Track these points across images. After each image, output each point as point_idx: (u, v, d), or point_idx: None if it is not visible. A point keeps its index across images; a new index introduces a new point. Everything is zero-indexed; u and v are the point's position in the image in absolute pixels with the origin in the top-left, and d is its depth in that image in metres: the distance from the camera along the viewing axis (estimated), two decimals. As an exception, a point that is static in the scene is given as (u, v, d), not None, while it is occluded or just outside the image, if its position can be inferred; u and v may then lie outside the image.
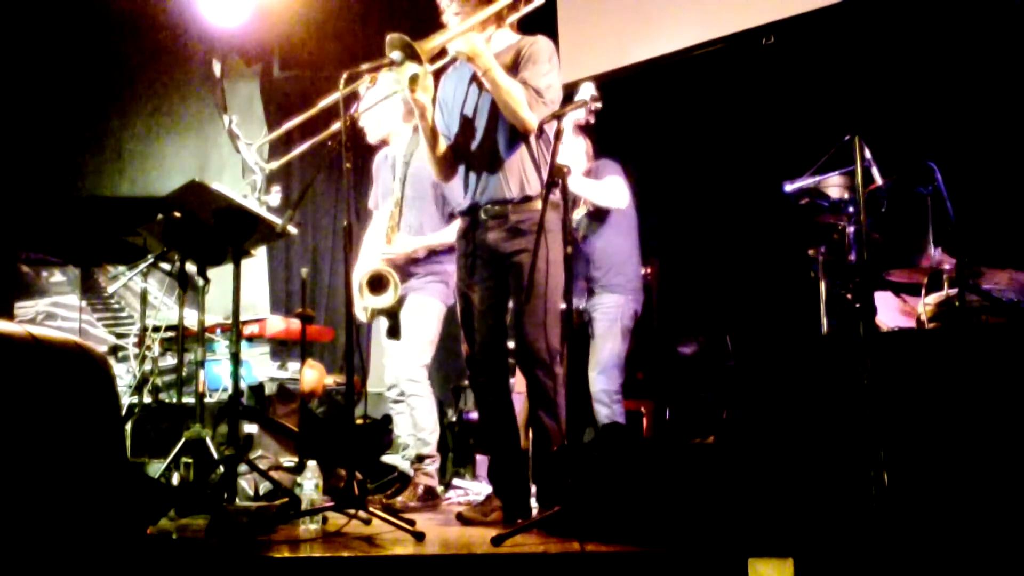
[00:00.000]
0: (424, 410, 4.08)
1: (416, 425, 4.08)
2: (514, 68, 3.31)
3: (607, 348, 4.40)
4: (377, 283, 4.06)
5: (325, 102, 3.42)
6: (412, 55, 3.09)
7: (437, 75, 3.46)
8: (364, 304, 4.08)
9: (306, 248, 6.88)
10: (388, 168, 4.37)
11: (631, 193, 4.51)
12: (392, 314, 4.09)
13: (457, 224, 4.10)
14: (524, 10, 3.46)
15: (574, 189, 4.29)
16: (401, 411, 4.19)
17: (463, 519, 3.27)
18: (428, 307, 4.13)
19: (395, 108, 4.22)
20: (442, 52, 3.29)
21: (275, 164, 3.74)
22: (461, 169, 3.47)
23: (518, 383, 4.25)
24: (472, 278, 3.42)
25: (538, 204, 3.22)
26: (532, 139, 3.34)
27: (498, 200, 3.34)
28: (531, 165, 3.34)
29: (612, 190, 4.40)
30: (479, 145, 3.40)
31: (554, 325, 3.28)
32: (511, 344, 3.61)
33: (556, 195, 3.28)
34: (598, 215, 4.49)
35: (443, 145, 3.47)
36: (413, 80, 3.18)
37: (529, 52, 3.34)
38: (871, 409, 2.72)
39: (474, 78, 3.41)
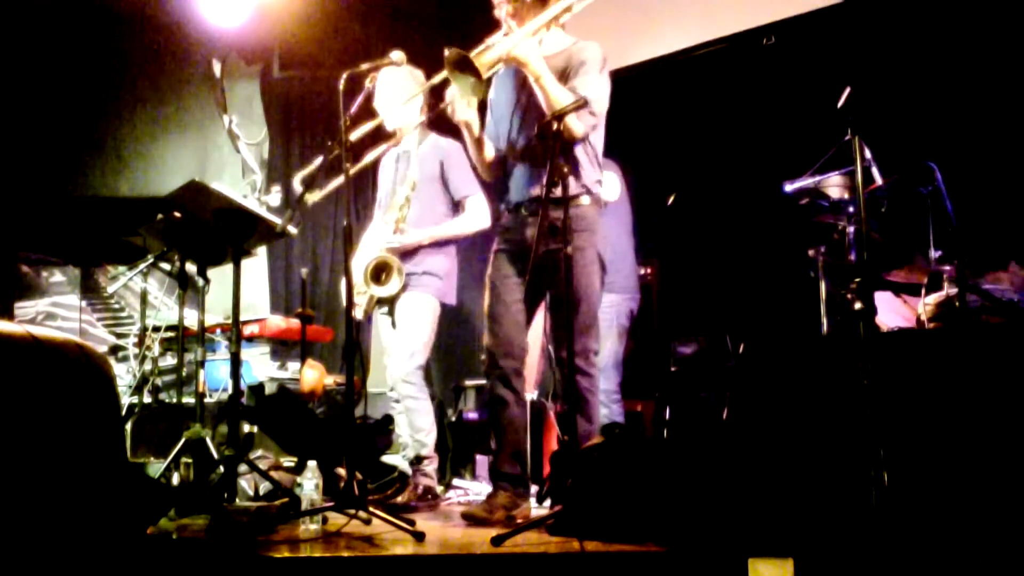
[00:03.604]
0: (420, 412, 4.07)
1: (413, 426, 4.07)
2: (564, 73, 3.34)
3: (605, 348, 4.39)
4: (381, 272, 4.06)
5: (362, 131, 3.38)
6: (470, 69, 3.11)
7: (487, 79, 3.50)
8: (369, 292, 4.08)
9: (306, 248, 6.88)
10: (391, 166, 4.36)
11: (627, 191, 4.50)
12: (394, 300, 4.10)
13: (461, 216, 4.16)
14: (576, 8, 3.48)
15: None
16: (402, 411, 4.18)
17: (468, 518, 3.27)
18: (423, 306, 4.11)
19: (413, 101, 4.20)
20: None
21: (316, 196, 3.74)
22: (510, 169, 3.52)
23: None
24: (502, 272, 3.47)
25: (579, 202, 3.27)
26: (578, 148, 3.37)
27: (537, 197, 3.37)
28: (578, 166, 3.37)
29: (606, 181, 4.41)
30: (525, 146, 3.45)
31: (591, 325, 3.31)
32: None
33: (598, 191, 3.39)
34: None
35: (489, 151, 3.56)
36: (475, 91, 3.21)
37: (580, 60, 3.38)
38: (871, 409, 2.72)
39: (523, 81, 3.43)
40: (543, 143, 3.30)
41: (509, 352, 3.42)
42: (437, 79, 3.49)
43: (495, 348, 3.42)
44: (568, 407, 3.32)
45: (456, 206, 4.21)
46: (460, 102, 3.38)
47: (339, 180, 3.59)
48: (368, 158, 3.80)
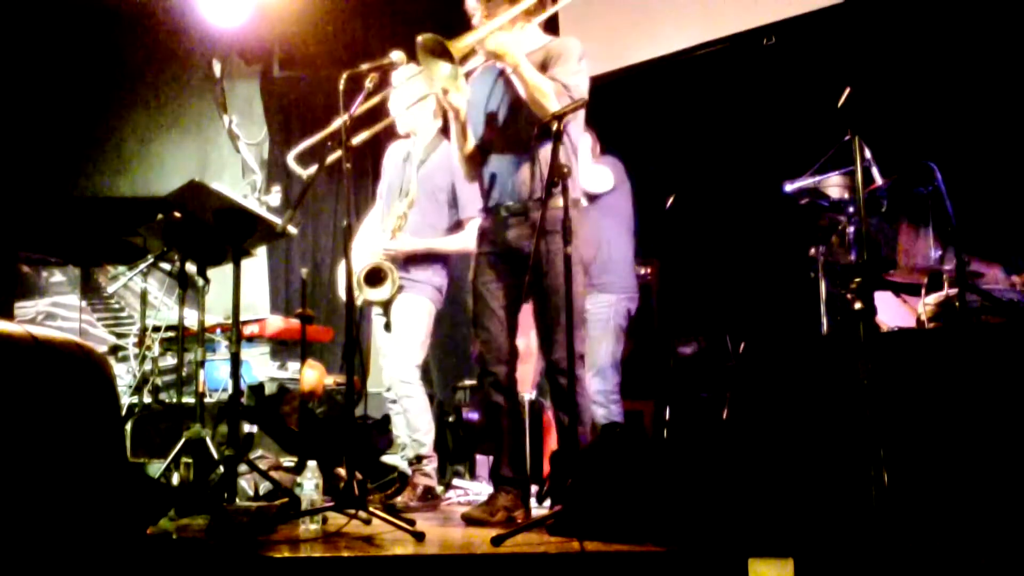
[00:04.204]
0: (417, 410, 4.08)
1: (410, 426, 4.07)
2: (543, 67, 3.32)
3: (602, 348, 4.39)
4: (375, 277, 4.06)
5: (345, 117, 3.32)
6: (444, 54, 3.10)
7: (465, 77, 3.48)
8: (362, 297, 4.08)
9: (306, 248, 6.89)
10: (399, 162, 4.34)
11: (628, 191, 4.50)
12: (387, 306, 4.10)
13: (461, 234, 4.13)
14: (551, 9, 3.48)
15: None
16: (399, 412, 4.19)
17: (469, 519, 3.26)
18: (418, 307, 4.12)
19: (427, 103, 4.19)
20: (471, 53, 3.30)
21: (311, 170, 3.66)
22: (486, 167, 3.48)
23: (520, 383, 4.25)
24: (486, 277, 3.43)
25: (556, 203, 3.17)
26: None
27: (520, 198, 3.35)
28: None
29: (595, 172, 4.39)
30: (504, 144, 3.42)
31: (577, 327, 3.29)
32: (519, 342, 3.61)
33: (577, 194, 3.32)
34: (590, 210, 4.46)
35: (472, 145, 3.50)
36: (449, 79, 3.17)
37: (559, 52, 3.36)
38: (871, 409, 2.72)
39: (501, 76, 3.43)
40: (535, 138, 3.28)
41: (499, 357, 3.40)
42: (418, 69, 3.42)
43: (486, 354, 3.41)
44: (561, 409, 3.32)
45: (458, 223, 4.21)
46: (457, 84, 3.28)
47: (337, 154, 3.53)
48: (364, 134, 3.70)
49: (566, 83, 3.25)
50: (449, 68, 3.14)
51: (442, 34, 3.18)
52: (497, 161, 3.43)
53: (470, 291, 3.51)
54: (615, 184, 4.52)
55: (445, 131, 4.29)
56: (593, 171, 4.43)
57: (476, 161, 3.51)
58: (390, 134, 4.43)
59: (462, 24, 3.54)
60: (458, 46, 3.13)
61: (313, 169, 3.58)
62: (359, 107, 3.36)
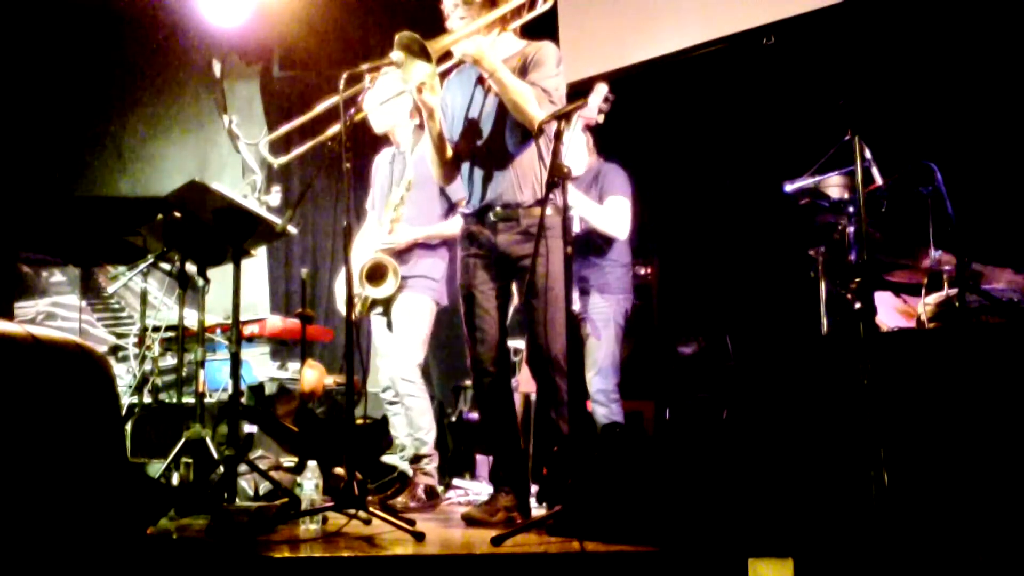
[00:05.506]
0: (420, 409, 4.08)
1: (413, 424, 4.08)
2: (521, 73, 3.32)
3: (603, 349, 4.39)
4: (376, 273, 4.07)
5: (324, 104, 3.39)
6: (422, 53, 3.09)
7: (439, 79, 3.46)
8: (364, 294, 4.08)
9: (306, 248, 6.89)
10: (386, 167, 4.37)
11: (628, 188, 4.50)
12: (388, 305, 4.11)
13: (457, 218, 4.13)
14: (527, 16, 3.47)
15: (574, 208, 4.25)
16: (396, 412, 4.19)
17: (469, 519, 3.26)
18: (419, 305, 4.13)
19: (402, 102, 4.20)
20: (446, 55, 3.29)
21: (283, 159, 3.67)
22: (466, 171, 3.46)
23: (519, 383, 4.26)
24: (478, 279, 3.41)
25: (550, 207, 3.20)
26: (541, 142, 3.32)
27: (510, 203, 3.34)
28: (542, 169, 3.33)
29: (614, 217, 4.37)
30: (487, 147, 3.40)
31: (563, 331, 3.29)
32: (512, 344, 3.62)
33: (556, 197, 3.29)
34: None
35: (449, 148, 3.47)
36: (429, 78, 3.16)
37: (536, 57, 3.36)
38: (871, 409, 2.72)
39: (479, 81, 3.42)
40: (535, 138, 3.28)
41: (497, 357, 3.40)
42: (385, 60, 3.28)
43: (484, 355, 3.40)
44: (551, 406, 3.32)
45: (451, 208, 4.22)
46: (433, 83, 3.24)
47: (312, 143, 3.54)
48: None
49: (546, 88, 3.26)
50: (426, 67, 3.12)
51: (434, 34, 3.18)
52: (481, 165, 3.41)
53: (460, 295, 3.49)
54: (623, 195, 4.47)
55: (423, 126, 4.30)
56: (612, 211, 4.39)
57: (453, 164, 3.49)
58: (378, 145, 4.45)
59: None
60: (435, 47, 3.13)
61: (285, 158, 3.59)
62: (354, 112, 3.35)
